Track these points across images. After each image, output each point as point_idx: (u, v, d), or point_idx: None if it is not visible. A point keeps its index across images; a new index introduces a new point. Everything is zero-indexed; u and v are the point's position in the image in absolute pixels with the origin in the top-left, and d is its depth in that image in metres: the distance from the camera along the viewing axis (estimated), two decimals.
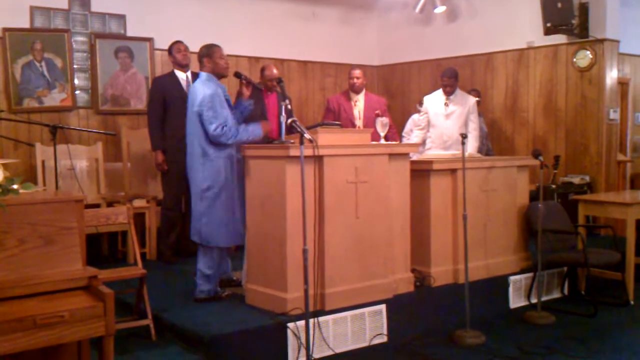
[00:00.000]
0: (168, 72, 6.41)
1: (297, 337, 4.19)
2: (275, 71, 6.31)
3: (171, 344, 4.22)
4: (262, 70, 6.44)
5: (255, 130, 4.72)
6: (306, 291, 3.70)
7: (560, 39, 7.71)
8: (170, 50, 6.34)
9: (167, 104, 6.16)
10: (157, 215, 6.37)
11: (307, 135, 3.73)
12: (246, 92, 4.91)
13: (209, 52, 4.81)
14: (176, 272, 5.83)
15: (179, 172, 6.14)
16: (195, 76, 6.26)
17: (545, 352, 4.54)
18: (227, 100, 4.77)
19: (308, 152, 4.09)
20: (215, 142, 4.62)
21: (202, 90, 4.65)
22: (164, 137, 6.18)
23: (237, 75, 4.94)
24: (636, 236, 5.94)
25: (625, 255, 5.76)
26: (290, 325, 4.20)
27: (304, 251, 3.70)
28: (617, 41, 7.66)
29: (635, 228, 5.89)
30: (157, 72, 7.23)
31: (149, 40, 7.37)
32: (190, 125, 4.74)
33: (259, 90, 4.85)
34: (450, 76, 6.47)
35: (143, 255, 6.26)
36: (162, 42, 7.03)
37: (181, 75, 6.26)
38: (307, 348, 3.86)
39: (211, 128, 4.56)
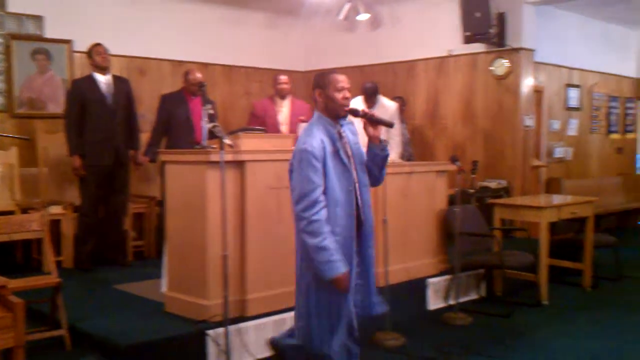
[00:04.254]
0: (87, 75, 6.25)
1: (217, 345, 4.16)
2: (199, 75, 6.29)
3: (87, 354, 4.12)
4: (186, 74, 6.42)
5: (331, 267, 3.19)
6: (226, 297, 3.68)
7: (478, 47, 7.96)
8: (89, 53, 6.19)
9: (85, 108, 6.02)
10: (74, 222, 6.20)
11: (226, 141, 3.72)
12: (372, 132, 3.44)
13: (320, 82, 3.40)
14: (94, 280, 5.70)
15: (97, 177, 6.04)
16: (115, 79, 6.19)
17: (462, 352, 4.66)
18: (338, 153, 3.34)
19: (229, 157, 4.07)
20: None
21: (301, 137, 3.39)
22: (82, 142, 6.03)
23: (352, 112, 3.45)
24: (549, 238, 6.18)
25: (538, 257, 5.98)
26: (210, 332, 4.17)
27: (224, 257, 3.68)
28: (533, 50, 7.97)
29: (549, 231, 6.13)
30: (76, 75, 7.04)
31: (68, 42, 7.18)
32: None
33: (388, 126, 3.57)
34: (370, 94, 6.61)
35: (59, 263, 6.08)
36: (82, 45, 6.86)
37: (100, 78, 6.12)
38: (227, 355, 3.84)
39: (294, 202, 3.32)
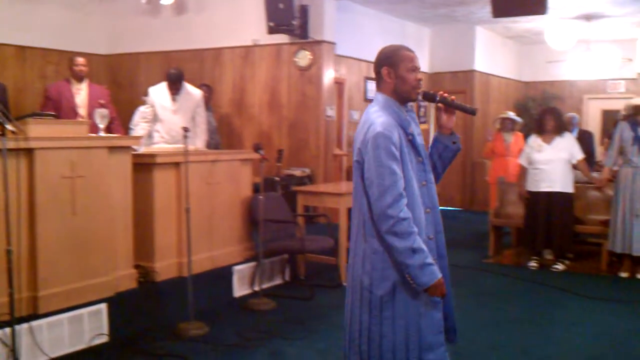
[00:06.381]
0: None
1: (6, 345, 3.87)
2: None
3: None
4: None
5: (430, 271, 2.64)
6: (11, 295, 3.44)
7: (283, 38, 8.13)
8: None
9: None
10: None
11: (9, 127, 3.46)
12: (446, 120, 2.90)
13: (390, 60, 2.84)
14: None
15: None
16: None
17: (264, 336, 4.75)
18: (413, 142, 2.78)
19: (13, 144, 3.79)
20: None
21: (372, 121, 2.75)
22: None
23: (427, 96, 2.89)
24: (348, 223, 6.47)
25: (338, 241, 6.26)
26: None
27: (8, 252, 3.43)
28: (334, 43, 8.29)
29: (348, 216, 6.42)
30: None
31: None
32: (353, 177, 2.87)
33: (470, 113, 2.95)
34: (175, 81, 6.48)
35: None
36: None
37: None
38: (16, 356, 3.60)
39: (374, 199, 2.67)
